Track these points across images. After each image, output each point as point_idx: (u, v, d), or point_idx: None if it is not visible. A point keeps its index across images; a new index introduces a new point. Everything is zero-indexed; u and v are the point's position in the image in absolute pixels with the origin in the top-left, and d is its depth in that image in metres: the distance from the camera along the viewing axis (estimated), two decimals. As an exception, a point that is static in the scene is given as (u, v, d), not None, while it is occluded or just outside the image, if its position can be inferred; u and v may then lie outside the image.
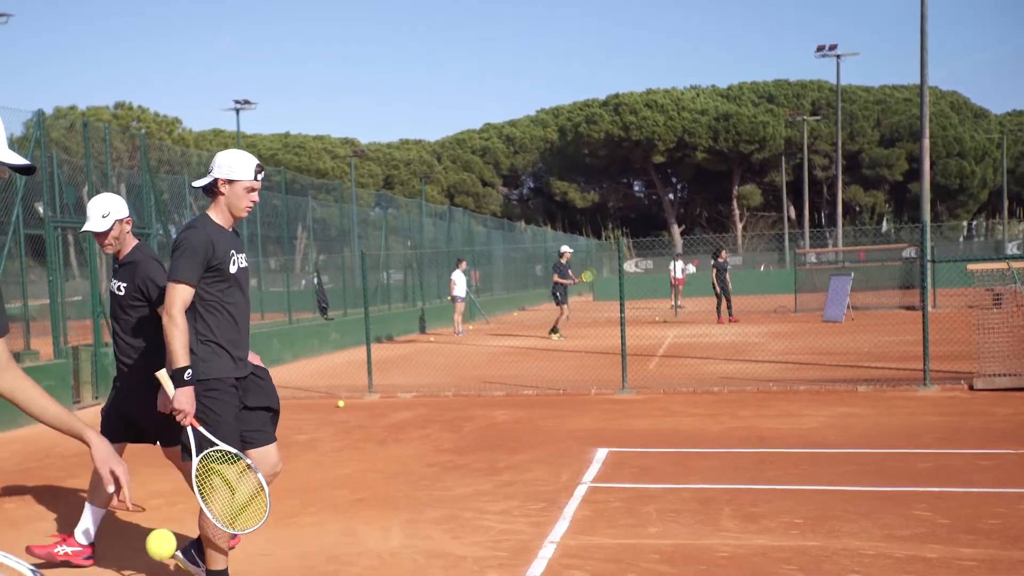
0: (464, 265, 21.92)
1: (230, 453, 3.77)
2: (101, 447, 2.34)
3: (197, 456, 3.73)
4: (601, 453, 7.11)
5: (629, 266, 47.64)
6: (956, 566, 4.24)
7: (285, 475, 6.82)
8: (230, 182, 3.86)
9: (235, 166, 3.85)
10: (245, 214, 3.94)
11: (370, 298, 21.95)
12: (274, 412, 4.13)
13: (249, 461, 3.81)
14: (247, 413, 3.97)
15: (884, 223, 61.78)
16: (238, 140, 44.61)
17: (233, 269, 3.91)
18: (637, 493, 5.82)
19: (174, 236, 22.38)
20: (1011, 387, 9.37)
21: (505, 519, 5.32)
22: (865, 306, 22.85)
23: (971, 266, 10.20)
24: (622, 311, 10.83)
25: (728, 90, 63.94)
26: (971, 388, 9.54)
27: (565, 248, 19.10)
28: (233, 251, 3.92)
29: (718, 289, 21.41)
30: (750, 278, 37.22)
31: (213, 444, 3.75)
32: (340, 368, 14.34)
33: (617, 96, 60.83)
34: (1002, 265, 9.92)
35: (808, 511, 5.22)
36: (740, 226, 61.85)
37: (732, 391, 10.11)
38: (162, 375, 3.79)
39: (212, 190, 3.90)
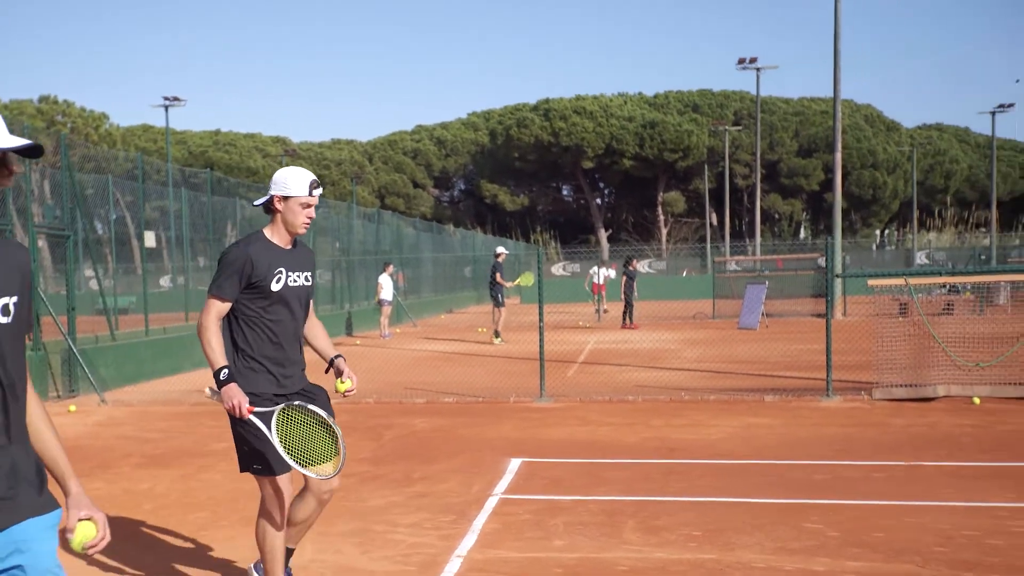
0: (391, 269, 21.93)
1: (290, 408, 3.82)
2: (81, 496, 2.30)
3: (273, 434, 3.75)
4: (515, 464, 7.26)
5: (557, 269, 48.11)
6: (840, 577, 4.50)
7: (199, 485, 6.81)
8: (285, 199, 3.92)
9: (289, 182, 3.92)
10: (303, 230, 3.97)
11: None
12: None
13: (309, 406, 3.83)
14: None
15: (802, 231, 63.64)
16: (167, 137, 43.73)
17: (276, 287, 3.91)
18: (547, 505, 5.99)
19: (100, 233, 21.74)
20: (907, 397, 9.85)
21: (415, 532, 5.42)
22: (779, 313, 23.57)
23: (872, 281, 10.67)
24: (541, 319, 11.02)
25: (655, 98, 65.00)
26: (871, 398, 9.99)
27: (502, 249, 19.26)
28: (282, 268, 3.93)
29: (625, 296, 22.12)
30: (672, 283, 38.00)
31: (272, 413, 3.79)
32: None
33: (547, 101, 61.31)
34: (900, 281, 10.40)
35: (707, 523, 5.45)
36: (664, 232, 62.97)
37: (646, 400, 10.38)
38: (205, 392, 3.92)
39: (270, 208, 3.97)
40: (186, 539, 5.44)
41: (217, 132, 65.17)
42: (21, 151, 2.13)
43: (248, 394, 3.85)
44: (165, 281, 27.45)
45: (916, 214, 56.53)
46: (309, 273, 4.10)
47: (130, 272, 25.70)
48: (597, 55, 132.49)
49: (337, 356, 4.20)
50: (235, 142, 62.78)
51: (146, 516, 5.97)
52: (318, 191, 3.96)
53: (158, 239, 20.13)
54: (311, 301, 4.23)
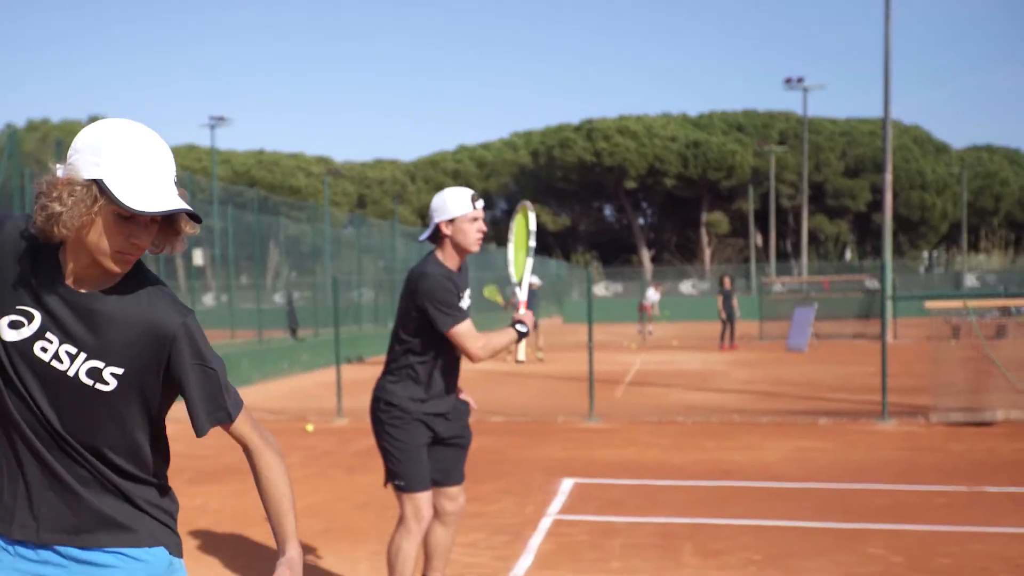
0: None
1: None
2: (292, 561, 2.09)
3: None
4: (567, 484, 7.21)
5: (599, 289, 47.95)
6: (907, 605, 4.39)
7: (252, 502, 6.85)
8: (450, 221, 3.86)
9: (449, 204, 3.86)
10: (476, 247, 3.90)
11: (341, 317, 22.13)
12: (463, 448, 4.17)
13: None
14: (441, 449, 4.06)
15: (847, 252, 62.76)
16: (212, 156, 44.54)
17: None
18: (602, 526, 5.93)
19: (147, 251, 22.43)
20: (965, 421, 9.63)
21: (471, 552, 5.40)
22: (827, 335, 23.24)
23: (929, 304, 10.47)
24: (590, 340, 10.97)
25: (698, 118, 64.69)
26: (927, 422, 9.79)
27: (534, 279, 19.29)
28: (460, 293, 3.96)
29: (723, 315, 21.83)
30: (716, 304, 37.68)
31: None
32: (310, 390, 14.33)
33: (590, 122, 61.36)
34: (958, 304, 10.20)
35: (767, 547, 5.36)
36: (708, 252, 62.50)
37: (696, 422, 10.27)
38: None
39: (437, 235, 3.93)
40: (245, 556, 5.47)
41: (261, 152, 66.09)
42: (175, 215, 1.85)
43: (397, 408, 3.93)
44: (208, 299, 27.85)
45: (966, 236, 55.50)
46: (469, 291, 4.08)
47: (175, 290, 26.09)
48: (640, 75, 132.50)
49: None
50: (278, 161, 63.60)
51: (203, 533, 6.02)
52: (480, 203, 3.90)
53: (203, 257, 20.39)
54: None
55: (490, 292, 17.63)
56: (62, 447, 1.95)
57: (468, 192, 3.89)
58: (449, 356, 3.98)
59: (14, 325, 1.89)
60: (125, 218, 1.81)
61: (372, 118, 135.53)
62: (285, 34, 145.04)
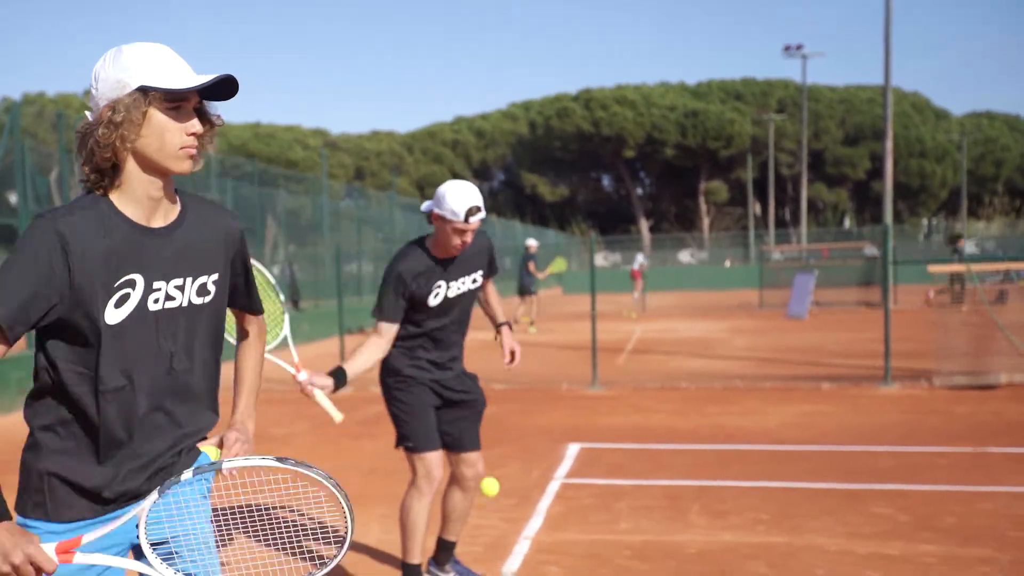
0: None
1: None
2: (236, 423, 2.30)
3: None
4: (573, 449, 7.25)
5: (597, 259, 47.90)
6: (917, 563, 4.42)
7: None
8: (441, 218, 3.74)
9: (447, 203, 3.69)
10: (454, 253, 3.80)
11: (342, 288, 22.11)
12: (475, 410, 4.22)
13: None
14: (448, 412, 4.09)
15: (846, 220, 62.70)
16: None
17: (433, 302, 3.86)
18: (609, 489, 5.97)
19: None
20: (968, 385, 9.66)
21: (479, 515, 5.43)
22: (827, 303, 23.28)
23: (932, 268, 10.47)
24: (593, 308, 10.97)
25: (697, 87, 64.36)
26: (930, 386, 9.82)
27: (532, 241, 19.30)
28: (441, 282, 3.85)
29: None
30: (715, 273, 37.73)
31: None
32: (312, 360, 14.26)
33: (588, 91, 61.04)
34: (961, 267, 10.20)
35: (773, 508, 5.39)
36: (707, 222, 62.43)
37: (699, 387, 10.30)
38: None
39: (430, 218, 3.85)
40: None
41: (257, 124, 65.65)
42: (212, 88, 1.90)
43: (404, 375, 3.96)
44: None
45: (965, 203, 55.42)
46: (477, 273, 3.98)
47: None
48: (638, 44, 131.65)
49: (503, 324, 4.27)
50: (275, 134, 63.18)
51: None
52: (476, 218, 3.68)
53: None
54: (492, 276, 4.17)
55: (555, 266, 17.33)
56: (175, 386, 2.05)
57: (471, 203, 3.68)
58: (446, 332, 4.00)
59: (120, 302, 1.90)
60: (173, 110, 1.89)
61: (368, 90, 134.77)
62: (280, 6, 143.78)
